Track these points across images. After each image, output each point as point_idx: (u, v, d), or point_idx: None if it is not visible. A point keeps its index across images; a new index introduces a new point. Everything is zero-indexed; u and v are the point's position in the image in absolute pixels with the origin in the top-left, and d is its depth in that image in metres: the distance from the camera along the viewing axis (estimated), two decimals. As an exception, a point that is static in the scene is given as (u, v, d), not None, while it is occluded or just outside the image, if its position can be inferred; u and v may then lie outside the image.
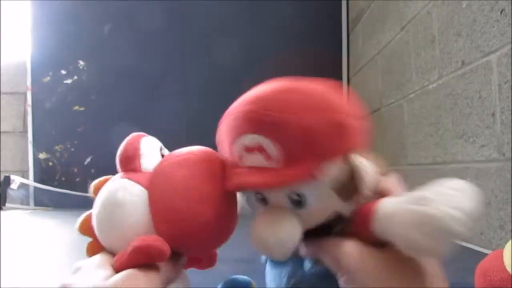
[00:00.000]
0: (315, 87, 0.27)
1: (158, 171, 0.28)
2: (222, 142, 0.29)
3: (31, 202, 2.14)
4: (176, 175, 0.28)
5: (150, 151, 0.30)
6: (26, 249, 1.00)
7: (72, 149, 2.16)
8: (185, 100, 2.15)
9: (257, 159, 0.26)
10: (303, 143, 0.25)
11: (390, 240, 0.25)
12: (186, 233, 0.27)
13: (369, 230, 0.26)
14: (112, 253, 0.28)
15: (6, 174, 2.04)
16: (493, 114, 0.88)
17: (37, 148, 2.17)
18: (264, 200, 0.28)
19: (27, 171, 2.17)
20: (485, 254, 0.39)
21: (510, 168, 0.82)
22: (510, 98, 0.82)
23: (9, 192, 2.05)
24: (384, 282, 0.25)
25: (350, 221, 0.28)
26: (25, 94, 2.20)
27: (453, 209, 0.22)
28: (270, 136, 0.25)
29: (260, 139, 0.25)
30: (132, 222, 0.27)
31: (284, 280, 0.30)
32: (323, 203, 0.26)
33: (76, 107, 2.18)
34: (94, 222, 0.29)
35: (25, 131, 2.20)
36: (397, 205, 0.25)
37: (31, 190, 2.14)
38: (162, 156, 0.30)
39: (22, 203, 2.12)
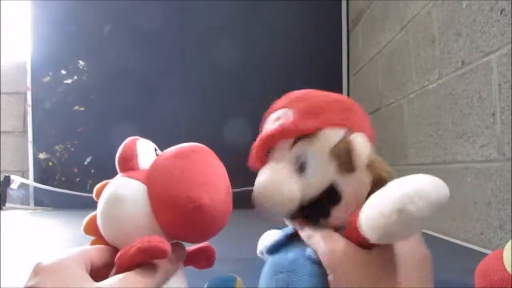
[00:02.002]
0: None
1: (154, 166, 0.31)
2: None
3: (31, 202, 2.14)
4: (171, 167, 0.30)
5: (146, 151, 0.32)
6: (26, 249, 1.00)
7: (72, 149, 2.16)
8: (184, 100, 2.15)
9: (278, 123, 0.32)
10: (311, 110, 0.31)
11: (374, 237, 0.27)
12: (185, 219, 0.28)
13: (356, 229, 0.28)
14: (116, 249, 0.30)
15: (6, 174, 2.04)
16: (493, 114, 0.88)
17: (37, 148, 2.17)
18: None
19: (27, 171, 2.17)
20: (485, 254, 0.39)
21: (510, 168, 0.82)
22: (510, 98, 0.82)
23: (9, 192, 2.05)
24: (365, 282, 0.27)
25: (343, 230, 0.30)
26: (25, 94, 2.20)
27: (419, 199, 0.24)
28: (290, 107, 0.32)
29: (285, 110, 0.32)
30: (134, 215, 0.29)
31: (284, 265, 0.30)
32: (321, 168, 0.30)
33: (76, 107, 2.18)
34: (98, 221, 0.31)
35: (25, 131, 2.20)
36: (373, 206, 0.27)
37: (31, 190, 2.14)
38: (157, 155, 0.32)
39: (22, 203, 2.12)
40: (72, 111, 2.18)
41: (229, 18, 2.18)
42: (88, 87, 2.18)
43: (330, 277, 0.28)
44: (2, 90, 2.23)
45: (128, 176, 0.30)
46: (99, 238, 0.32)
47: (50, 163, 2.16)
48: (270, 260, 0.32)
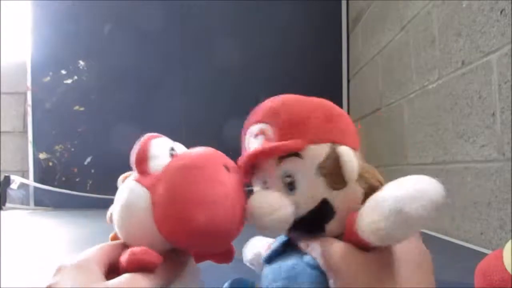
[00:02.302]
0: (315, 99, 0.33)
1: (161, 175, 0.31)
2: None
3: (31, 202, 2.14)
4: (175, 180, 0.30)
5: (159, 153, 0.32)
6: (26, 249, 1.00)
7: (72, 149, 2.16)
8: (185, 100, 2.15)
9: (259, 140, 0.31)
10: (292, 126, 0.30)
11: (371, 240, 0.27)
12: (182, 233, 0.29)
13: (354, 233, 0.28)
14: (127, 245, 0.31)
15: (6, 174, 2.04)
16: (493, 114, 0.88)
17: (37, 148, 2.17)
18: (265, 184, 0.32)
19: (27, 171, 2.17)
20: (485, 254, 0.40)
21: (510, 168, 0.82)
22: (510, 98, 0.82)
23: (9, 192, 2.05)
24: (366, 283, 0.27)
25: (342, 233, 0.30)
26: (25, 94, 2.20)
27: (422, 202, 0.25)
28: (269, 122, 0.31)
29: (262, 125, 0.31)
30: (139, 221, 0.30)
31: (283, 272, 0.30)
32: (311, 186, 0.29)
33: (76, 107, 2.18)
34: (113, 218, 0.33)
35: (25, 131, 2.20)
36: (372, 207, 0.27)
37: (31, 190, 2.14)
38: (172, 156, 0.32)
39: (22, 203, 2.12)
40: (72, 111, 2.18)
41: (229, 18, 2.18)
42: (88, 87, 2.18)
43: (331, 282, 0.27)
44: (2, 90, 2.23)
45: (137, 181, 0.31)
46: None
47: (50, 163, 2.16)
48: (267, 268, 0.32)
